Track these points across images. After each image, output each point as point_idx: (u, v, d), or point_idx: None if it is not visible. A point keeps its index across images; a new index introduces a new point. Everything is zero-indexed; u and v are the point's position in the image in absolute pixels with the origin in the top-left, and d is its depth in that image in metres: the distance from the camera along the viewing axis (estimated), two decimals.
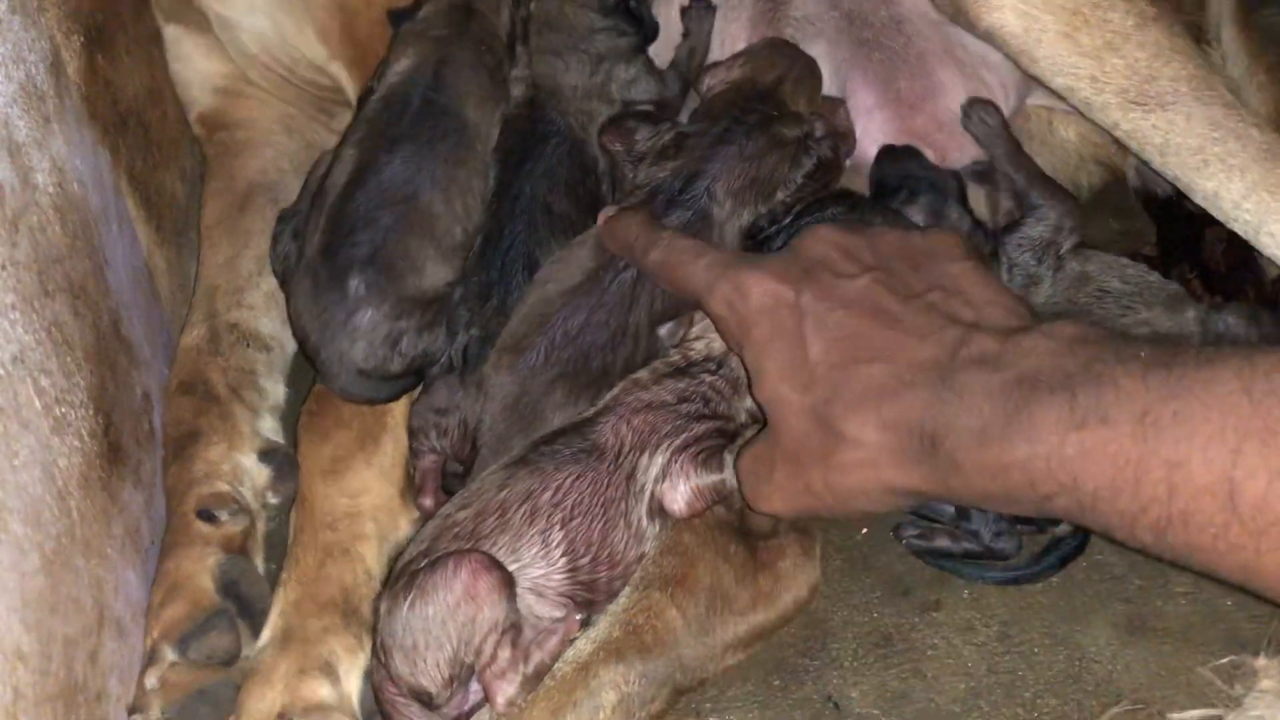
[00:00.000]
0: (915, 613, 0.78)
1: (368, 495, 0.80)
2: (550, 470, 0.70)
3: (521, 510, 0.68)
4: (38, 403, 0.66)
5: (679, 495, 0.71)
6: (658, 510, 0.71)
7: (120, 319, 0.83)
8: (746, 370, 0.68)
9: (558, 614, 0.69)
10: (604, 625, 0.71)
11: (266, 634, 0.76)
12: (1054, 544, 0.78)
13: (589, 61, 0.88)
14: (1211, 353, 0.54)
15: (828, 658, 0.76)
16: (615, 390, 0.74)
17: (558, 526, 0.68)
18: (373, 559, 0.79)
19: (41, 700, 0.60)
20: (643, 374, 0.75)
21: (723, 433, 0.73)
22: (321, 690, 0.72)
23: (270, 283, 0.97)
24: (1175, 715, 0.66)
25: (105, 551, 0.72)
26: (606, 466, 0.70)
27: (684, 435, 0.72)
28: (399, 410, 0.83)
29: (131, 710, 0.72)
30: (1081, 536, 0.78)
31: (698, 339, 0.75)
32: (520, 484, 0.69)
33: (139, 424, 0.82)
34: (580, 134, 0.87)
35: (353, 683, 0.74)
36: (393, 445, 0.82)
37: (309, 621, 0.75)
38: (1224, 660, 0.68)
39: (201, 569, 0.78)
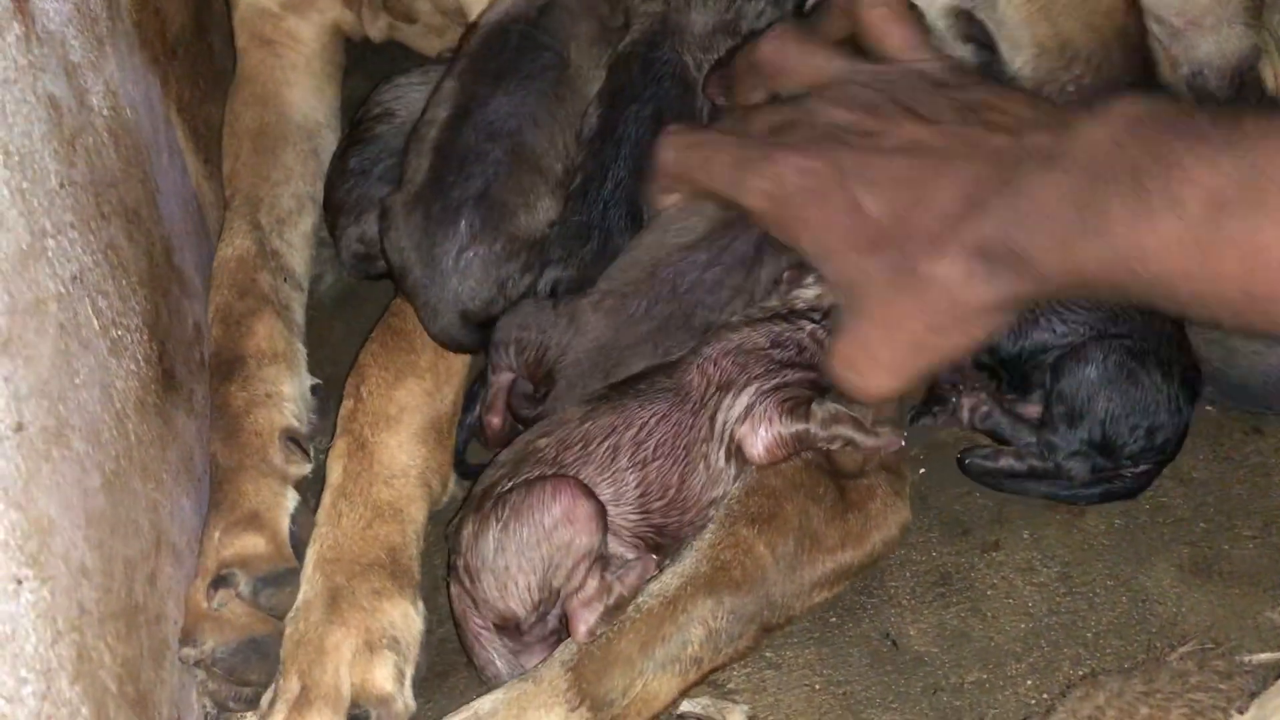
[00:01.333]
0: (974, 552, 0.77)
1: (429, 452, 0.78)
2: (634, 408, 0.69)
3: (605, 445, 0.68)
4: (96, 323, 0.66)
5: (759, 440, 0.70)
6: (735, 453, 0.70)
7: (172, 248, 0.82)
8: (810, 260, 0.67)
9: (629, 555, 0.68)
10: (690, 560, 0.70)
11: (306, 590, 0.72)
12: (1109, 477, 0.76)
13: None
14: (1270, 121, 0.53)
15: (885, 595, 0.75)
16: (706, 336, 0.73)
17: (638, 466, 0.67)
18: (422, 521, 0.76)
19: (105, 618, 0.59)
20: (736, 318, 0.73)
21: (814, 384, 0.71)
22: (387, 674, 0.70)
23: (308, 224, 0.96)
24: (1246, 657, 0.64)
25: (161, 476, 0.72)
26: (690, 408, 0.69)
27: (774, 380, 0.70)
28: (462, 370, 0.81)
29: (183, 639, 0.71)
30: (1140, 482, 0.77)
31: (807, 288, 0.73)
32: (604, 418, 0.68)
33: (190, 353, 0.82)
34: (694, 75, 0.83)
35: (413, 655, 0.72)
36: (454, 404, 0.81)
37: (357, 584, 0.71)
38: None
39: (280, 507, 0.76)
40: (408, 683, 0.71)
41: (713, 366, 0.71)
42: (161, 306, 0.77)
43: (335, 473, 0.77)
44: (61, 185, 0.64)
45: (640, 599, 0.68)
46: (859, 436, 0.71)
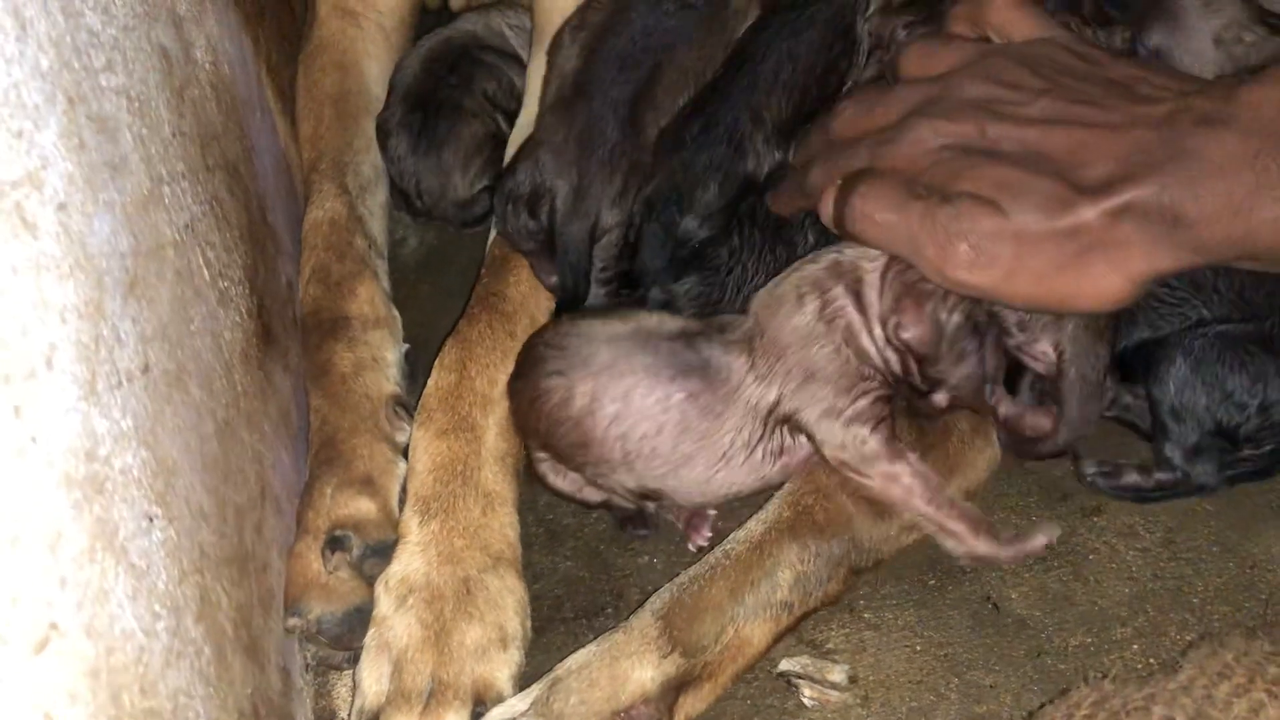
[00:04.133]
0: (1075, 517, 0.76)
1: (518, 441, 0.76)
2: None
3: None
4: (206, 273, 0.66)
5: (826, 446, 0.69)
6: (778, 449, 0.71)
7: (266, 206, 0.83)
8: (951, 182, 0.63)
9: None
10: (773, 507, 0.70)
11: (433, 577, 0.69)
12: (1233, 463, 0.74)
13: None
14: None
15: None
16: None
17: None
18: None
19: (221, 562, 0.60)
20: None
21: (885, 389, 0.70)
22: (507, 675, 0.68)
23: (384, 194, 0.96)
24: None
25: (264, 428, 0.72)
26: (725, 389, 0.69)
27: (845, 393, 0.69)
28: None
29: (289, 607, 0.70)
30: (1271, 461, 0.74)
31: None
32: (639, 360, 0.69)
33: (284, 311, 0.82)
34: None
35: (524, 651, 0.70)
36: None
37: (489, 577, 0.70)
38: None
39: (391, 474, 0.75)
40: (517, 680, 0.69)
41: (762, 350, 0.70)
42: (259, 262, 0.77)
43: (438, 451, 0.74)
44: (173, 135, 0.65)
45: (727, 545, 0.69)
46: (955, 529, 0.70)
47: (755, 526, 0.69)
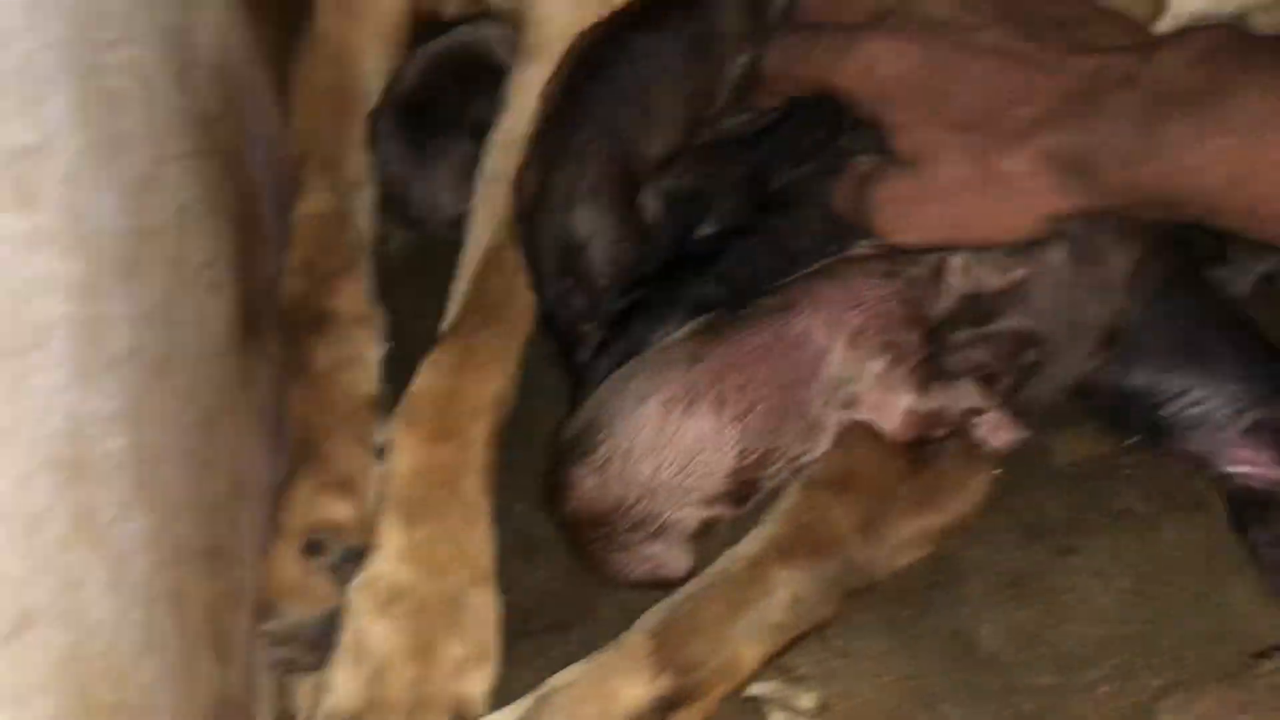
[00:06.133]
0: (1050, 556, 0.76)
1: (497, 454, 0.75)
2: (738, 340, 0.68)
3: (711, 395, 0.67)
4: (196, 258, 0.65)
5: (895, 414, 0.70)
6: (844, 411, 0.70)
7: (259, 194, 0.81)
8: (886, 133, 0.70)
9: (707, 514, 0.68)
10: (770, 525, 0.69)
11: (419, 589, 0.68)
12: None
13: None
14: None
15: (958, 594, 0.74)
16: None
17: (740, 417, 0.67)
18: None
19: (196, 555, 0.59)
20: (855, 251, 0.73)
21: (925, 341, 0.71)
22: (480, 692, 0.67)
23: (372, 193, 0.94)
24: None
25: (243, 421, 0.71)
26: (794, 340, 0.69)
27: (898, 341, 0.70)
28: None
29: (265, 611, 0.69)
30: None
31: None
32: (714, 358, 0.68)
33: (269, 303, 0.81)
34: None
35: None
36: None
37: (474, 594, 0.69)
38: None
39: (369, 478, 0.73)
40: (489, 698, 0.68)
41: (827, 302, 0.70)
42: (249, 251, 0.76)
43: (425, 456, 0.72)
44: (175, 115, 0.64)
45: (723, 564, 0.68)
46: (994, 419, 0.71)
47: (753, 544, 0.69)
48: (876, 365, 0.70)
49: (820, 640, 0.72)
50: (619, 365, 0.72)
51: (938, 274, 0.72)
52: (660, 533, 0.69)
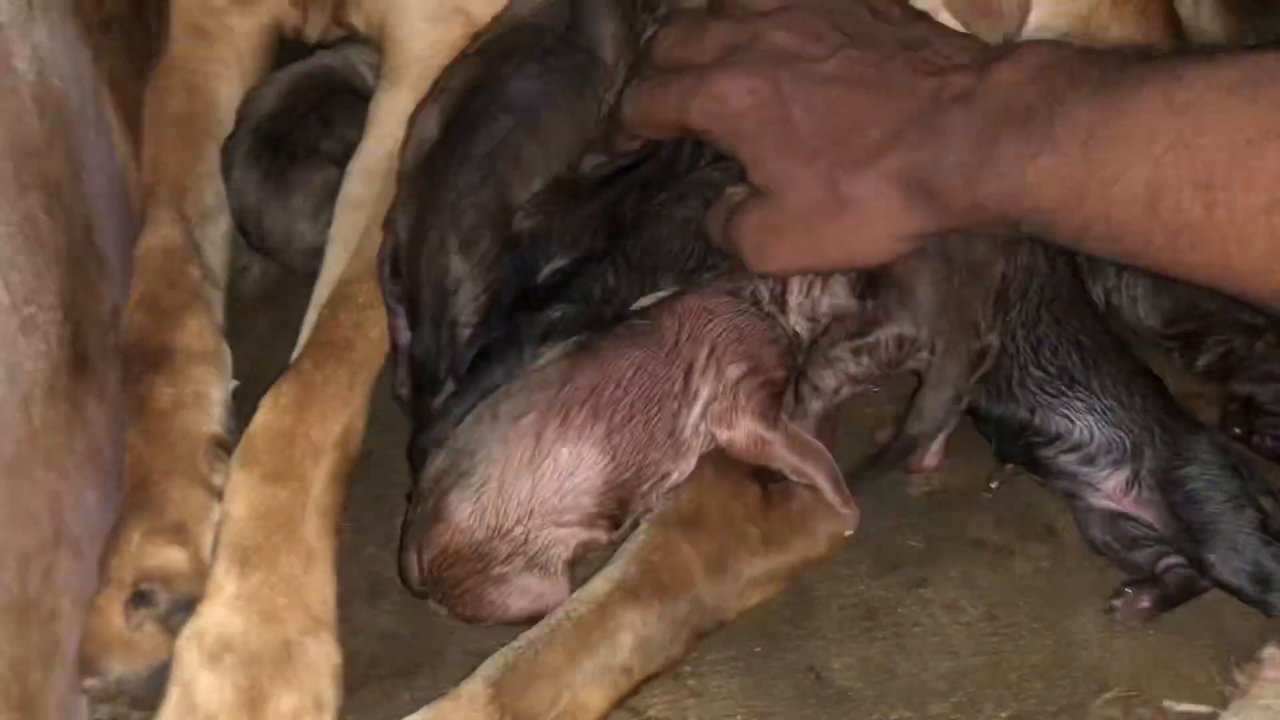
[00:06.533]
0: (902, 588, 0.76)
1: (342, 493, 0.73)
2: (612, 356, 0.68)
3: (584, 411, 0.66)
4: (6, 299, 0.62)
5: (737, 432, 0.70)
6: (706, 431, 0.70)
7: (94, 227, 0.78)
8: (744, 166, 0.71)
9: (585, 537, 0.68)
10: (619, 565, 0.68)
11: (251, 639, 0.66)
12: None
13: None
14: (1147, 66, 0.59)
15: (811, 627, 0.74)
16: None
17: (612, 434, 0.67)
18: None
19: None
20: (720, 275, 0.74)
21: (786, 373, 0.72)
22: None
23: (226, 224, 0.92)
24: (1170, 704, 0.64)
25: (66, 466, 0.68)
26: (665, 355, 0.69)
27: (753, 360, 0.70)
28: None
29: (87, 667, 0.65)
30: None
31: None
32: (585, 375, 0.67)
33: (106, 338, 0.78)
34: None
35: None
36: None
37: (309, 640, 0.67)
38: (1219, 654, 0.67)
39: (205, 522, 0.71)
40: None
41: (690, 316, 0.71)
42: (79, 286, 0.73)
43: (261, 498, 0.69)
44: None
45: (569, 606, 0.67)
46: (826, 486, 0.71)
47: (599, 585, 0.68)
48: (735, 383, 0.70)
49: (674, 679, 0.71)
50: (471, 409, 0.71)
51: (781, 295, 0.72)
52: (537, 561, 0.68)
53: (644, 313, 0.73)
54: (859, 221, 0.68)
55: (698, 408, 0.70)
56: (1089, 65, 0.61)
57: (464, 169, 0.76)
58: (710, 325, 0.71)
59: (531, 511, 0.67)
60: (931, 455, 0.77)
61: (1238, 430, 0.79)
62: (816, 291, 0.73)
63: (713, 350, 0.71)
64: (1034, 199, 0.61)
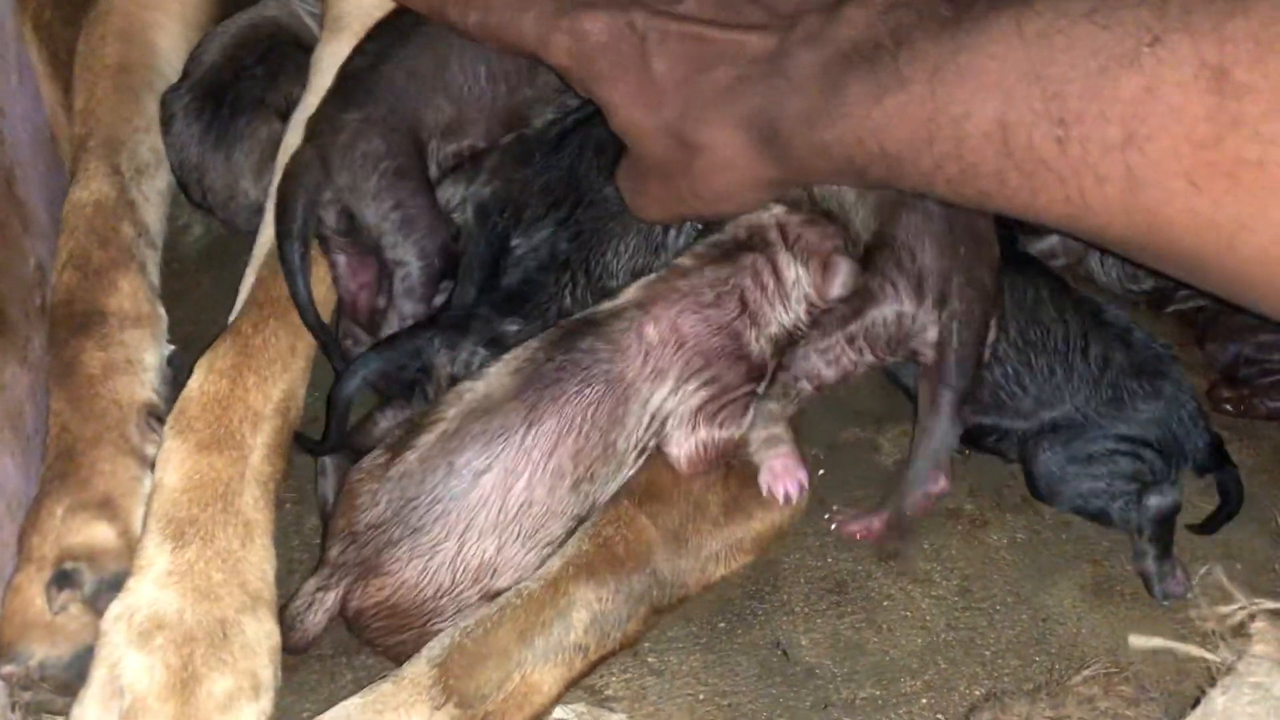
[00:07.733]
0: (871, 561, 0.73)
1: (282, 462, 0.70)
2: (574, 394, 0.64)
3: (551, 465, 0.63)
4: None
5: (683, 448, 0.67)
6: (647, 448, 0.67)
7: (15, 178, 0.74)
8: (600, 109, 0.68)
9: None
10: (574, 540, 0.64)
11: (187, 615, 0.62)
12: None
13: None
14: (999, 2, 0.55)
15: (777, 601, 0.71)
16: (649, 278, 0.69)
17: (575, 479, 0.64)
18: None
19: None
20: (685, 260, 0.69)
21: (750, 374, 0.68)
22: None
23: (164, 180, 0.87)
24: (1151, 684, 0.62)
25: None
26: (625, 389, 0.65)
27: (712, 378, 0.67)
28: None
29: (4, 652, 0.61)
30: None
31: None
32: (547, 420, 0.63)
33: (29, 297, 0.73)
34: None
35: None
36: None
37: (246, 619, 0.63)
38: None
39: (136, 495, 0.66)
40: None
41: (657, 346, 0.66)
42: None
43: (196, 468, 0.65)
44: None
45: (522, 584, 0.63)
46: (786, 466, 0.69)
47: (554, 562, 0.64)
48: (695, 410, 0.67)
49: (633, 656, 0.68)
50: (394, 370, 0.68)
51: (742, 304, 0.69)
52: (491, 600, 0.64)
53: (609, 330, 0.67)
54: (709, 169, 0.66)
55: (651, 438, 0.67)
56: (937, 4, 0.58)
57: (385, 124, 0.74)
58: (677, 355, 0.67)
59: (495, 570, 0.63)
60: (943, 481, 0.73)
61: (1228, 406, 0.77)
62: (818, 280, 0.69)
63: (677, 381, 0.67)
64: (880, 140, 0.58)
